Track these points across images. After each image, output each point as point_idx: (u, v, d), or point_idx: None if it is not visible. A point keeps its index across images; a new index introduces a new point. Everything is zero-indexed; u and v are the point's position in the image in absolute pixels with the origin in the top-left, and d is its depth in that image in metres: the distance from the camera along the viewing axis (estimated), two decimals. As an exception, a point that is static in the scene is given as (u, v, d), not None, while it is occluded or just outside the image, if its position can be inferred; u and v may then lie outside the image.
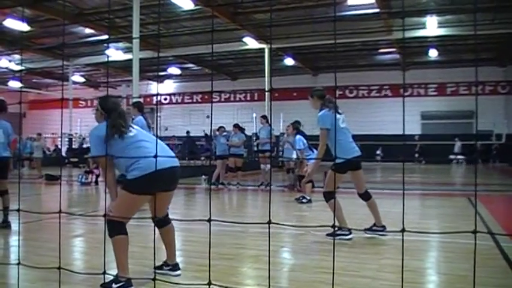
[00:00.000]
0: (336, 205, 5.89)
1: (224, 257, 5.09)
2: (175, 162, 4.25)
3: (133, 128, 4.25)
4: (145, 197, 4.06)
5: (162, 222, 4.36)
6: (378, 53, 27.57)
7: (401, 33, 21.49)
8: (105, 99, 4.46)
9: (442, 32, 21.33)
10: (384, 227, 6.19)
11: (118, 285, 3.90)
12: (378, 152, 29.03)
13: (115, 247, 3.97)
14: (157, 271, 4.24)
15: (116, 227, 3.98)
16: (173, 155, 4.34)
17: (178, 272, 4.41)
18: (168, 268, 4.43)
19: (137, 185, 3.97)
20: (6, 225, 6.95)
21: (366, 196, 6.35)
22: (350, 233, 6.04)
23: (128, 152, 4.04)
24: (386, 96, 31.00)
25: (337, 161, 5.87)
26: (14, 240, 6.31)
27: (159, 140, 4.33)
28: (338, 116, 6.12)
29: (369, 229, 6.26)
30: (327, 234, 6.03)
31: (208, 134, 23.10)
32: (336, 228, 5.90)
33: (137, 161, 3.94)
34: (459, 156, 27.75)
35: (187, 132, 26.87)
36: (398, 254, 4.81)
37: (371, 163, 28.25)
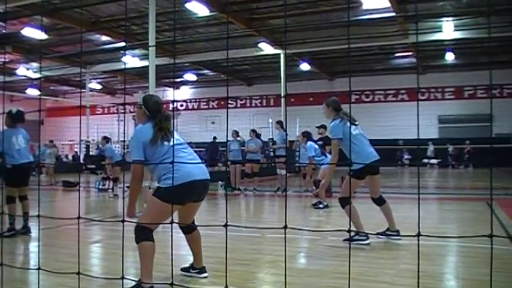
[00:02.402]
0: (352, 210, 5.90)
1: (241, 263, 5.10)
2: (207, 175, 4.24)
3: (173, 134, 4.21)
4: (176, 207, 3.97)
5: (189, 228, 4.38)
6: (394, 57, 27.42)
7: (419, 37, 21.32)
8: (150, 97, 4.44)
9: (458, 35, 21.15)
10: (397, 231, 6.15)
11: None
12: (406, 156, 28.99)
13: (141, 253, 3.95)
14: (184, 273, 4.44)
15: (142, 233, 3.94)
16: (204, 168, 4.31)
17: (205, 275, 4.47)
18: (196, 271, 4.49)
19: (169, 194, 3.90)
20: (25, 231, 7.01)
21: (380, 201, 6.36)
22: (367, 238, 5.99)
23: (165, 159, 3.98)
24: (403, 100, 30.81)
25: (355, 166, 5.93)
26: (33, 246, 6.37)
27: (192, 151, 4.35)
28: (350, 125, 6.16)
29: (382, 233, 6.23)
30: (344, 240, 6.00)
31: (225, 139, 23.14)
32: (353, 234, 5.91)
33: (171, 169, 3.83)
34: (432, 161, 27.87)
35: (214, 137, 26.89)
36: (416, 259, 4.77)
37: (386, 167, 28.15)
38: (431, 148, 28.48)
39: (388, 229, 6.24)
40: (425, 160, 28.11)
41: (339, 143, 6.20)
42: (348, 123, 6.13)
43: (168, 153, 4.00)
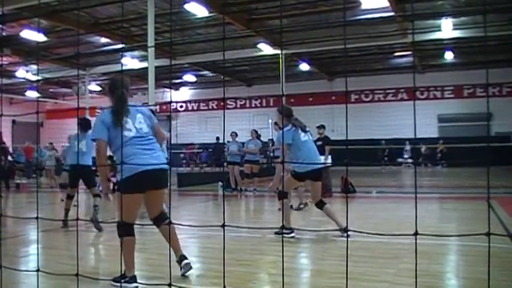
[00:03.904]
0: (286, 205, 6.48)
1: (241, 263, 5.09)
2: (161, 164, 4.45)
3: (135, 122, 4.51)
4: (139, 196, 4.34)
5: (159, 221, 4.57)
6: (393, 56, 27.39)
7: (418, 36, 21.31)
8: (110, 80, 4.88)
9: (457, 34, 21.11)
10: (291, 229, 6.37)
11: (124, 280, 4.13)
12: (406, 156, 29.04)
13: (122, 247, 4.21)
14: (185, 275, 4.49)
15: (123, 229, 4.28)
16: (161, 158, 4.51)
17: (186, 261, 4.52)
18: (181, 264, 4.53)
19: (126, 185, 4.27)
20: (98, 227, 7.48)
21: (320, 205, 6.70)
22: (292, 231, 6.32)
23: (124, 148, 4.24)
24: (402, 99, 30.78)
25: (299, 169, 6.56)
26: (33, 248, 6.36)
27: (152, 142, 4.54)
28: (301, 131, 6.77)
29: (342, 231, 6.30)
30: (275, 233, 6.34)
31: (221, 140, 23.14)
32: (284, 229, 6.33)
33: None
34: (408, 160, 28.17)
35: (217, 138, 26.86)
36: (418, 258, 4.76)
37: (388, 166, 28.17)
38: (407, 148, 28.63)
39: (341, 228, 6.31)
40: (401, 160, 28.53)
41: (287, 148, 6.66)
42: (299, 130, 6.74)
43: (125, 144, 4.28)
